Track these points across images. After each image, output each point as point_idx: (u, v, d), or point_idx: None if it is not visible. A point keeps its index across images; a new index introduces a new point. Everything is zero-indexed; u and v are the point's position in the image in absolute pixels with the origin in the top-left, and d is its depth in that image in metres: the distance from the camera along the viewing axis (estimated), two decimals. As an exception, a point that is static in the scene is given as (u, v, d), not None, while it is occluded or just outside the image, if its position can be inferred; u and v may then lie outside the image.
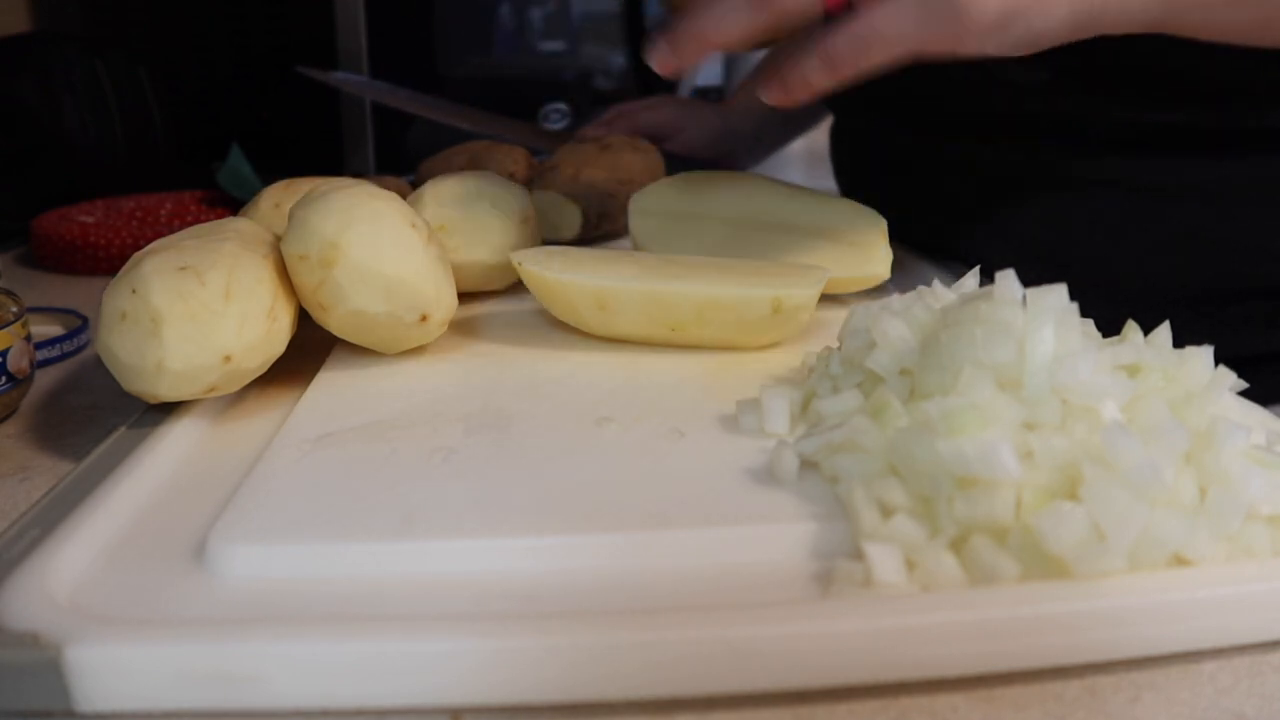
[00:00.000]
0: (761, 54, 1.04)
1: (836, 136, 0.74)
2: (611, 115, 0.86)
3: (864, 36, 0.36)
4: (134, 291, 0.32)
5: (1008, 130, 0.55)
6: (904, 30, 0.36)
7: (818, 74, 0.37)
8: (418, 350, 0.40)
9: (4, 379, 0.37)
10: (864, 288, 0.46)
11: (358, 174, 0.86)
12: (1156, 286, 0.52)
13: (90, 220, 0.65)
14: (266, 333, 0.34)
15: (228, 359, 0.32)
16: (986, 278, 0.31)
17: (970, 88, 0.56)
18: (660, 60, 0.40)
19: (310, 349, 0.40)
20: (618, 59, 1.07)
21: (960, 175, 0.57)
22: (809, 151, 1.06)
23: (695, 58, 0.39)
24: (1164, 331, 0.29)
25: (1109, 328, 0.31)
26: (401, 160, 0.91)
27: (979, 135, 0.57)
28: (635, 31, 1.06)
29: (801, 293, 0.38)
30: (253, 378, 0.34)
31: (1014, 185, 0.45)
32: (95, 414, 0.39)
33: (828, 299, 0.46)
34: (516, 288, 0.50)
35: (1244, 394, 0.30)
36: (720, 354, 0.39)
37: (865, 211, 0.47)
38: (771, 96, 0.39)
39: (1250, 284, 0.52)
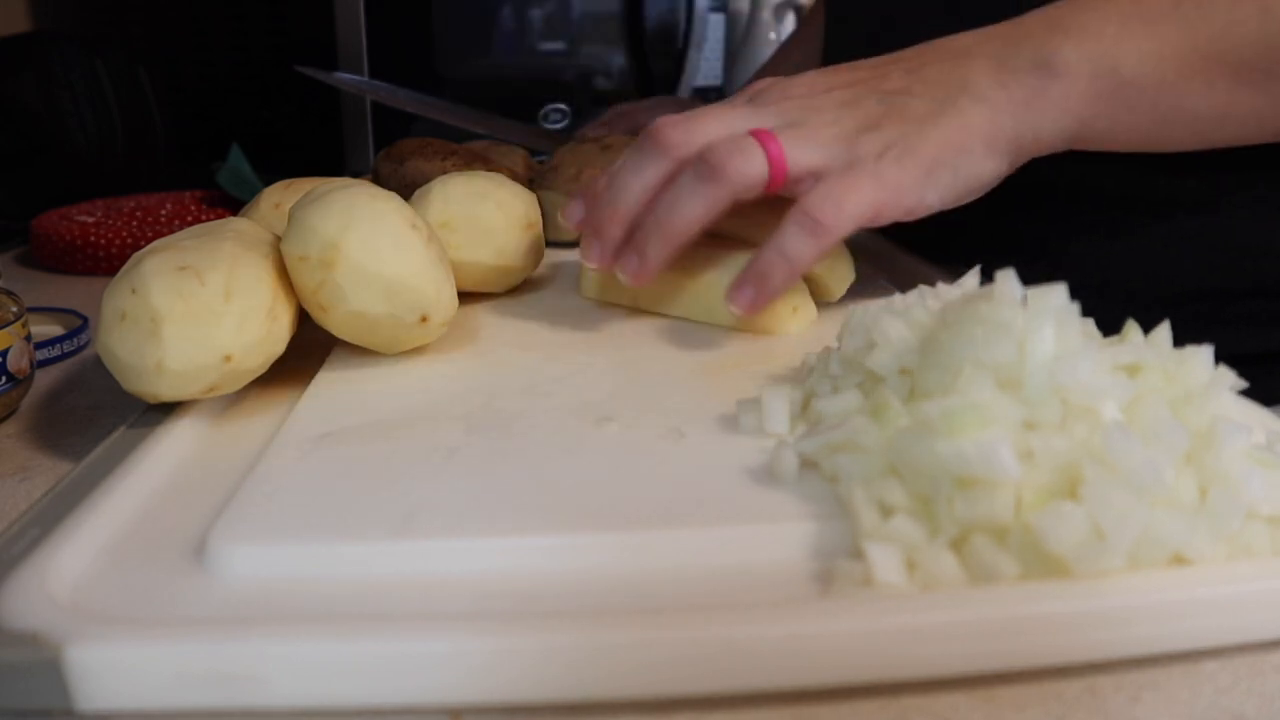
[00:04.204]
0: (763, 57, 1.03)
1: None
2: (611, 115, 0.86)
3: (820, 222, 0.38)
4: (134, 291, 0.32)
5: None
6: (861, 208, 0.38)
7: (780, 269, 0.39)
8: (418, 350, 0.40)
9: (4, 379, 0.37)
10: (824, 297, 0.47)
11: (358, 174, 0.86)
12: (1156, 286, 0.52)
13: (90, 220, 0.65)
14: (266, 333, 0.34)
15: (228, 359, 0.32)
16: (986, 278, 0.31)
17: None
18: (630, 269, 0.40)
19: (310, 349, 0.40)
20: (618, 59, 1.07)
21: None
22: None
23: (662, 258, 0.40)
24: (1164, 331, 0.29)
25: (1109, 328, 0.31)
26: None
27: None
28: (635, 31, 1.06)
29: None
30: (253, 378, 0.34)
31: (1015, 186, 0.46)
32: (95, 414, 0.39)
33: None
34: (517, 288, 0.50)
35: (1244, 394, 0.30)
36: (721, 354, 0.39)
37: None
38: (745, 306, 0.39)
39: (1251, 283, 0.52)
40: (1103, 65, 0.41)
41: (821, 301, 0.46)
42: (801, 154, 0.39)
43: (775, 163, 0.38)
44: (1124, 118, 0.42)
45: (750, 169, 0.38)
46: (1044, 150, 0.42)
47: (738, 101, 0.43)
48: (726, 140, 0.38)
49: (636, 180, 0.40)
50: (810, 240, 0.38)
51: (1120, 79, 0.41)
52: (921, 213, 0.40)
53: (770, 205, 0.41)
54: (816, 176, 0.39)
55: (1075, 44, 0.41)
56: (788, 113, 0.40)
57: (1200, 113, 0.42)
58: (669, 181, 0.40)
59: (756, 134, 0.39)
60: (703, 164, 0.38)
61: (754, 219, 0.43)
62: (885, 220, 0.39)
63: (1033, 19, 0.42)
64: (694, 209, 0.38)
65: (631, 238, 0.40)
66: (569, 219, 0.43)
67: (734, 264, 0.42)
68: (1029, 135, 0.41)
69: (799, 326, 0.43)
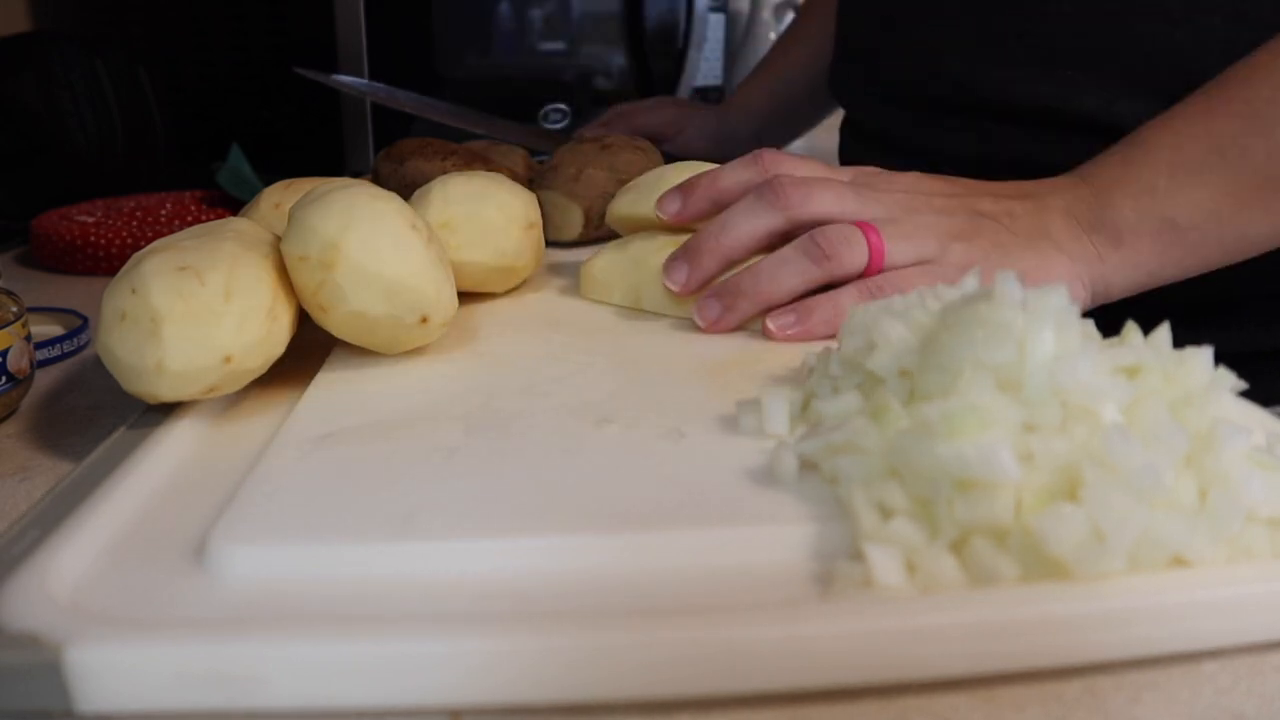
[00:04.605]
0: (756, 61, 1.04)
1: (847, 130, 0.74)
2: (611, 115, 0.86)
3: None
4: (134, 291, 0.32)
5: (1020, 125, 0.55)
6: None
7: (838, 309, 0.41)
8: (418, 351, 0.40)
9: (4, 379, 0.37)
10: None
11: (358, 174, 0.86)
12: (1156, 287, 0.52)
13: (90, 220, 0.65)
14: (266, 333, 0.34)
15: (228, 359, 0.32)
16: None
17: (983, 83, 0.56)
18: (710, 317, 0.42)
19: (310, 349, 0.40)
20: (618, 59, 1.07)
21: (966, 169, 0.57)
22: (809, 151, 1.06)
23: (745, 320, 0.42)
24: (1164, 332, 0.29)
25: (1109, 328, 0.31)
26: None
27: (988, 128, 0.57)
28: (635, 31, 1.06)
29: None
30: (253, 378, 0.34)
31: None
32: (95, 414, 0.39)
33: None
34: (517, 288, 0.50)
35: (1245, 394, 0.30)
36: (721, 354, 0.39)
37: None
38: (784, 331, 0.41)
39: (1251, 282, 0.52)
40: (1160, 219, 0.43)
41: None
42: (899, 250, 0.41)
43: (875, 255, 0.41)
44: (1190, 261, 0.44)
45: (855, 260, 0.41)
46: (1116, 297, 0.44)
47: (844, 176, 0.45)
48: (837, 229, 0.41)
49: (748, 225, 0.42)
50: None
51: (1178, 228, 0.43)
52: None
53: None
54: None
55: (1133, 204, 0.43)
56: (890, 208, 0.43)
57: (1265, 233, 0.44)
58: (773, 236, 0.43)
59: (861, 226, 0.41)
60: (814, 246, 0.41)
61: None
62: None
63: (1098, 172, 0.45)
64: (793, 284, 0.41)
65: (724, 289, 0.42)
66: (664, 209, 0.45)
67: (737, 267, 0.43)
68: (1101, 287, 0.44)
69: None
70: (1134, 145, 0.45)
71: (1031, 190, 0.45)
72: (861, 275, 0.41)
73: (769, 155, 0.45)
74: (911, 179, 0.45)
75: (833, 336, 0.40)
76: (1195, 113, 0.44)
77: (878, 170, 0.46)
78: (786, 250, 0.41)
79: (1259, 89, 0.43)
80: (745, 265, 0.43)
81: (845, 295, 0.41)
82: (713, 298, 0.42)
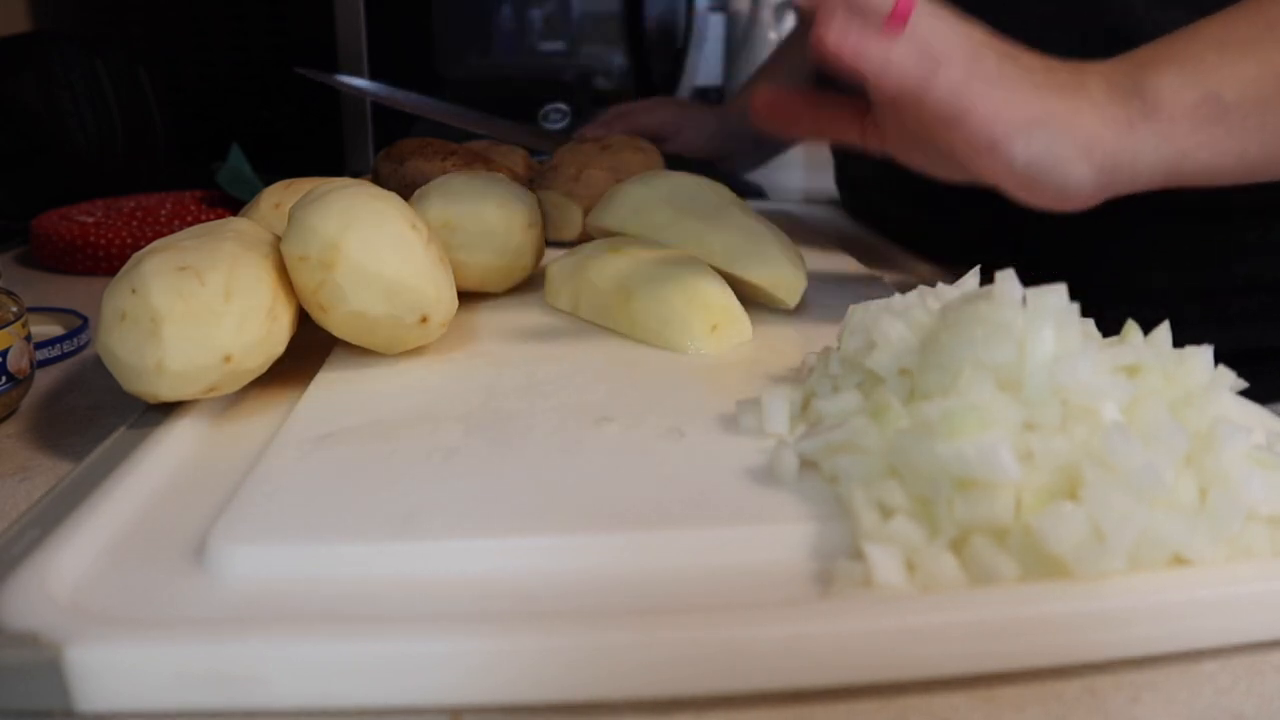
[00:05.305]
0: (758, 62, 1.04)
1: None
2: (611, 115, 0.86)
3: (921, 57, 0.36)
4: (134, 291, 0.32)
5: None
6: (948, 95, 0.36)
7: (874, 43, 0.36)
8: (418, 350, 0.40)
9: (4, 379, 0.37)
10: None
11: (358, 174, 0.86)
12: (1157, 282, 0.52)
13: (90, 220, 0.65)
14: (266, 333, 0.34)
15: (228, 359, 0.32)
16: (986, 278, 0.31)
17: None
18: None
19: (310, 349, 0.40)
20: (618, 59, 1.07)
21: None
22: (809, 154, 1.06)
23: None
24: (1164, 331, 0.29)
25: (1109, 327, 0.31)
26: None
27: None
28: (635, 31, 1.06)
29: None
30: (253, 378, 0.34)
31: None
32: (95, 414, 0.39)
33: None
34: (516, 288, 0.50)
35: (1246, 392, 0.30)
36: (721, 354, 0.39)
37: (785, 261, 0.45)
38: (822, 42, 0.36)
39: (1249, 279, 0.52)
40: (1205, 91, 0.40)
41: (780, 309, 0.45)
42: (930, 18, 0.37)
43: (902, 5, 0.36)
44: (1227, 144, 0.41)
45: None
46: (1140, 184, 0.41)
47: None
48: None
49: None
50: (867, 39, 0.36)
51: (1223, 104, 0.40)
52: (992, 161, 0.38)
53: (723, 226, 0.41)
54: (930, 56, 0.37)
55: (1176, 71, 0.40)
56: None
57: None
58: None
59: None
60: None
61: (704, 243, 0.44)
62: (958, 136, 0.37)
63: (1141, 52, 0.42)
64: None
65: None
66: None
67: (664, 282, 0.41)
68: (1127, 158, 0.40)
69: (720, 347, 0.40)
70: (1179, 33, 0.42)
71: (1072, 63, 0.41)
72: (888, 23, 0.36)
73: None
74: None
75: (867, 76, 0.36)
76: (1245, 4, 0.41)
77: None
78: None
79: None
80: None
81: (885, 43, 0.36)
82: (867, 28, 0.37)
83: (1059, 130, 0.38)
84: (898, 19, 0.37)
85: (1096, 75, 0.41)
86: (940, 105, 0.37)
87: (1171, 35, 0.42)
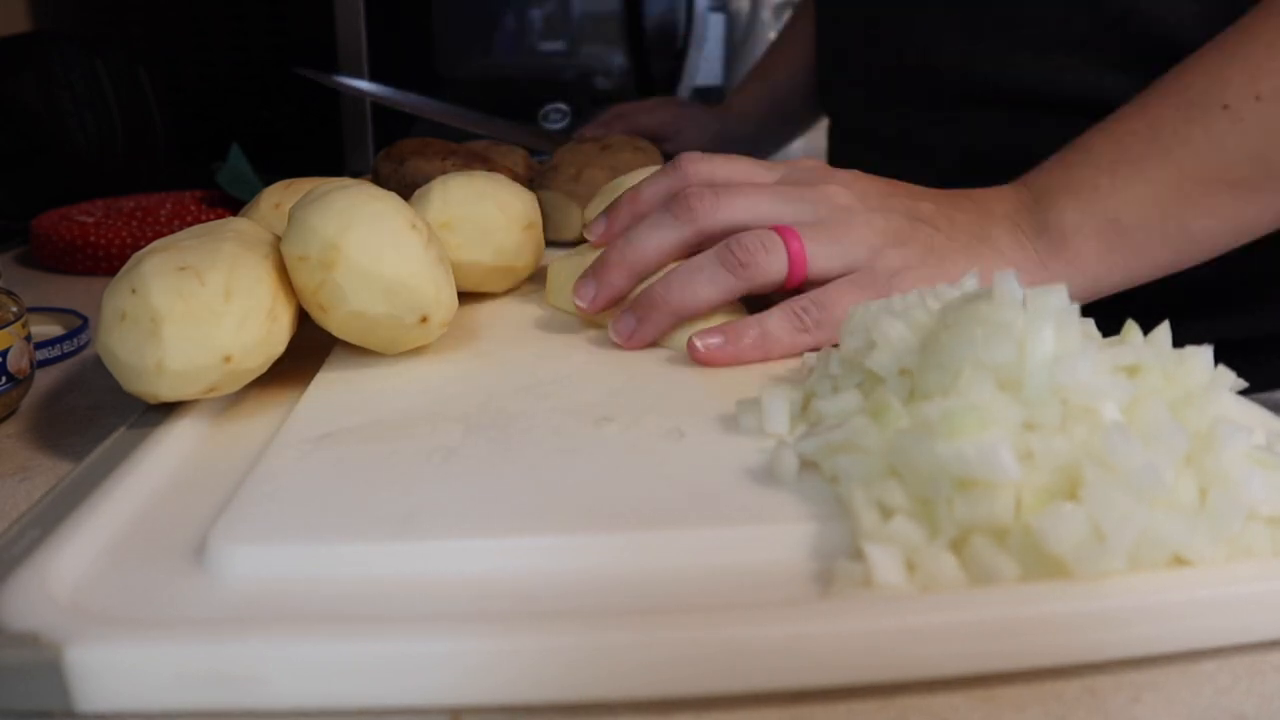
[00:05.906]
0: (752, 61, 1.03)
1: (835, 134, 0.75)
2: (611, 115, 0.86)
3: (805, 325, 0.38)
4: (134, 291, 0.32)
5: (1009, 113, 0.55)
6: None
7: (760, 353, 0.38)
8: (418, 350, 0.40)
9: (4, 379, 0.37)
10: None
11: (358, 174, 0.86)
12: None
13: (90, 220, 0.65)
14: (266, 333, 0.34)
15: (228, 359, 0.32)
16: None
17: (972, 74, 0.56)
18: (624, 332, 0.39)
19: (310, 349, 0.40)
20: (618, 59, 1.07)
21: (959, 167, 0.58)
22: (807, 153, 1.06)
23: (662, 333, 0.40)
24: (1164, 331, 0.29)
25: (1109, 328, 0.31)
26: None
27: (977, 119, 0.57)
28: (635, 31, 1.06)
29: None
30: (253, 378, 0.34)
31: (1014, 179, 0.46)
32: (95, 414, 0.39)
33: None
34: (516, 288, 0.50)
35: (1247, 379, 0.30)
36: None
37: None
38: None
39: (1246, 269, 0.52)
40: (1105, 220, 0.41)
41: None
42: (823, 257, 0.39)
43: (796, 263, 0.38)
44: (1136, 263, 0.42)
45: (772, 268, 0.38)
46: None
47: (771, 175, 0.43)
48: (753, 235, 0.39)
49: (654, 240, 0.40)
50: (795, 334, 0.38)
51: (1123, 227, 0.41)
52: None
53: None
54: (832, 279, 0.39)
55: (1073, 202, 0.42)
56: (819, 208, 0.40)
57: (1212, 230, 0.42)
58: (684, 248, 0.40)
59: (781, 231, 0.39)
60: (729, 255, 0.38)
61: None
62: None
63: (1040, 178, 0.43)
64: (708, 294, 0.38)
65: (637, 302, 0.39)
66: (592, 232, 0.43)
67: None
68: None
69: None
70: (1075, 149, 0.43)
71: (974, 195, 0.43)
72: (785, 283, 0.39)
73: (688, 161, 0.42)
74: (849, 176, 0.43)
75: (764, 360, 0.38)
76: (1134, 111, 0.43)
77: (816, 165, 0.44)
78: (700, 258, 0.39)
79: (1195, 79, 0.42)
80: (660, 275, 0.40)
81: (772, 320, 0.38)
82: (627, 312, 0.39)
83: None
84: (795, 276, 0.39)
85: (1001, 218, 0.42)
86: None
87: (1068, 155, 0.43)
